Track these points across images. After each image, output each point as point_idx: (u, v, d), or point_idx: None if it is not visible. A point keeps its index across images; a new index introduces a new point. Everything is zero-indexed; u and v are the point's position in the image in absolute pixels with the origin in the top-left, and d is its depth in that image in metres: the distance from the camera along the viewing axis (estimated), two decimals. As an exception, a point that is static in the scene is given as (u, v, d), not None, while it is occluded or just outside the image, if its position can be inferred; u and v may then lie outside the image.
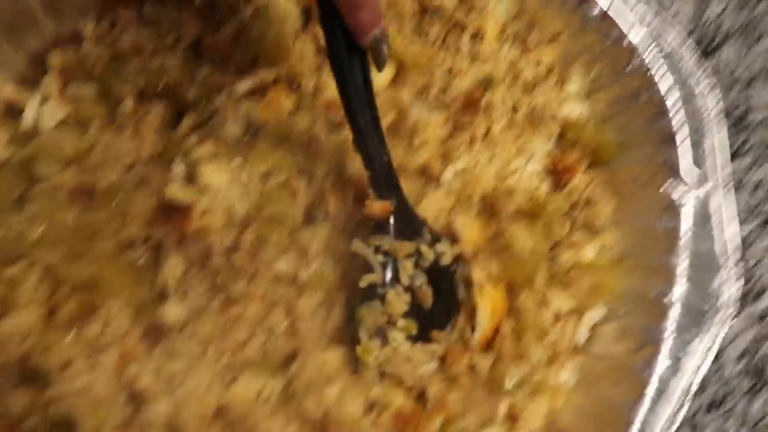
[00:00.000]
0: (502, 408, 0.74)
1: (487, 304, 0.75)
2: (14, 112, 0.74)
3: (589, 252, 0.87)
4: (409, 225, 0.74)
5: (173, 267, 0.70)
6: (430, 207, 0.78)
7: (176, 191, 0.70)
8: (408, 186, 0.79)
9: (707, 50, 1.10)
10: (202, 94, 0.76)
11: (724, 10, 1.10)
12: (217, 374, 0.66)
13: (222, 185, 0.71)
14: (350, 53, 0.64)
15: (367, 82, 0.67)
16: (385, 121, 0.81)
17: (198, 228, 0.69)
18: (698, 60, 0.85)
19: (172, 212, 0.70)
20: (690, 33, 1.09)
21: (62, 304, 0.67)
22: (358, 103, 0.67)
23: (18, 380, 0.64)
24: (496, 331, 0.77)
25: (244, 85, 0.76)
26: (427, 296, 0.74)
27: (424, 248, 0.74)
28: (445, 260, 0.75)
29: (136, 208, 0.71)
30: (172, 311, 0.68)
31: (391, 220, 0.73)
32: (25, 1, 0.70)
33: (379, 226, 0.73)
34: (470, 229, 0.76)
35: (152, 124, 0.75)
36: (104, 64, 0.74)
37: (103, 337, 0.66)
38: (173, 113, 0.78)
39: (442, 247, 0.75)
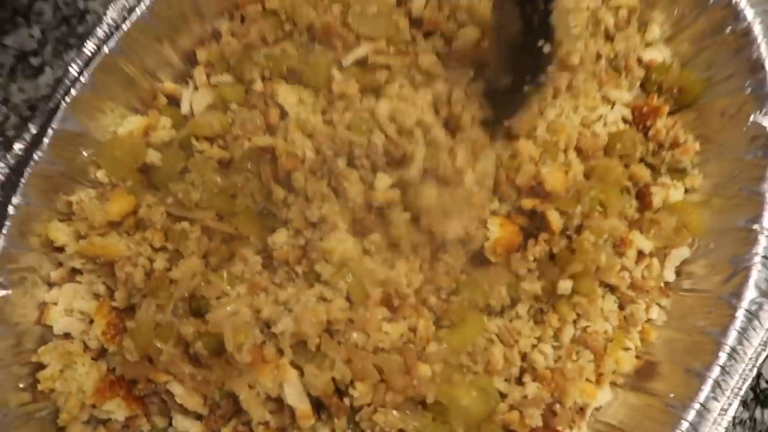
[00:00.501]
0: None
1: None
2: (174, 102, 0.92)
3: (675, 194, 0.91)
4: None
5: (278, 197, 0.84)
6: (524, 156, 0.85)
7: (258, 139, 0.84)
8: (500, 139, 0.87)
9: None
10: (318, 75, 0.90)
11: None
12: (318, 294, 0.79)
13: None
14: None
15: None
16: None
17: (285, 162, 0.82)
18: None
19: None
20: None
21: (214, 252, 0.84)
22: None
23: (188, 312, 0.80)
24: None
25: (351, 57, 0.88)
26: None
27: None
28: None
29: (265, 168, 0.86)
30: (279, 238, 0.82)
31: None
32: (179, 5, 0.88)
33: None
34: (554, 178, 0.83)
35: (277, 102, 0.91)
36: (239, 54, 0.90)
37: (242, 274, 0.81)
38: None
39: None
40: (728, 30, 0.89)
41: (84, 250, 0.81)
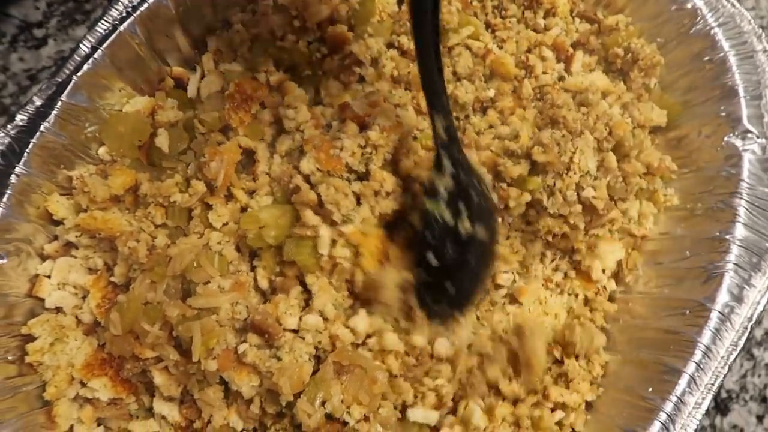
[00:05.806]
0: None
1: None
2: (180, 86, 0.93)
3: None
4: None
5: None
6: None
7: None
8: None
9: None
10: (313, 72, 0.93)
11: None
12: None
13: None
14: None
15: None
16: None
17: None
18: (754, 24, 0.94)
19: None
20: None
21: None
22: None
23: (177, 294, 0.79)
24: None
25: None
26: None
27: None
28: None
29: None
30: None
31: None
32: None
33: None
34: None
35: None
36: (248, 45, 0.92)
37: (231, 266, 0.81)
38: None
39: None
40: (706, 58, 0.96)
41: (85, 224, 0.81)
